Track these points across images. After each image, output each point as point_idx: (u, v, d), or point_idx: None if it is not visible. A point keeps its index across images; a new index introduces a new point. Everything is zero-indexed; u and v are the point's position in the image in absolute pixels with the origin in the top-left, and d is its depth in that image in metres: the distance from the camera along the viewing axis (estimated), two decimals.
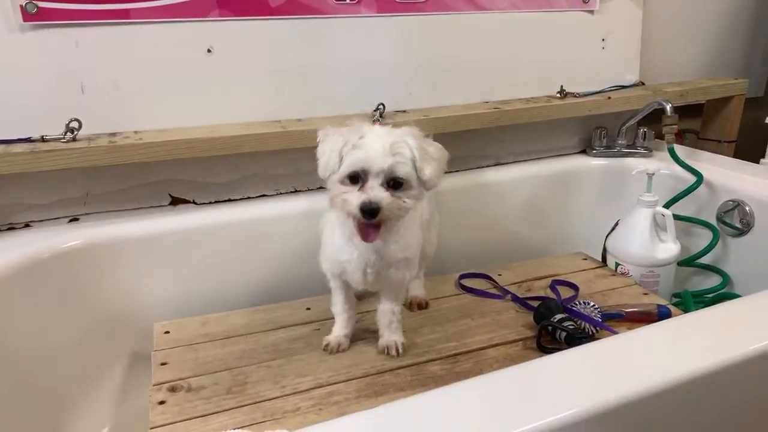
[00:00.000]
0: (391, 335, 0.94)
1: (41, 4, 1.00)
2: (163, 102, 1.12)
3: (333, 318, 1.03)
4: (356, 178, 0.78)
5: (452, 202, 1.33)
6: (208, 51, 1.13)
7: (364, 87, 1.27)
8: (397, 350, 0.92)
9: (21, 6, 0.99)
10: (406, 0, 1.25)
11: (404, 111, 1.29)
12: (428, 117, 1.24)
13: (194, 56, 1.12)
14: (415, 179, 0.79)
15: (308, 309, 1.06)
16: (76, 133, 1.03)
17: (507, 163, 1.46)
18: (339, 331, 0.95)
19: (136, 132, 1.09)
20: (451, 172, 1.38)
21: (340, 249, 0.87)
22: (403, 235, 0.86)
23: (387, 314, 0.93)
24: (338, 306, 0.95)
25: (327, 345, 0.94)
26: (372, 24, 1.24)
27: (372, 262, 0.86)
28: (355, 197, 0.77)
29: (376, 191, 0.76)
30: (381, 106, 1.23)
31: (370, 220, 0.76)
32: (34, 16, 1.00)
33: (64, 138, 1.02)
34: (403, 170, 0.77)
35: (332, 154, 0.78)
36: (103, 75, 1.07)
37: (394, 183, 0.78)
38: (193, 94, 1.14)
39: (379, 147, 0.77)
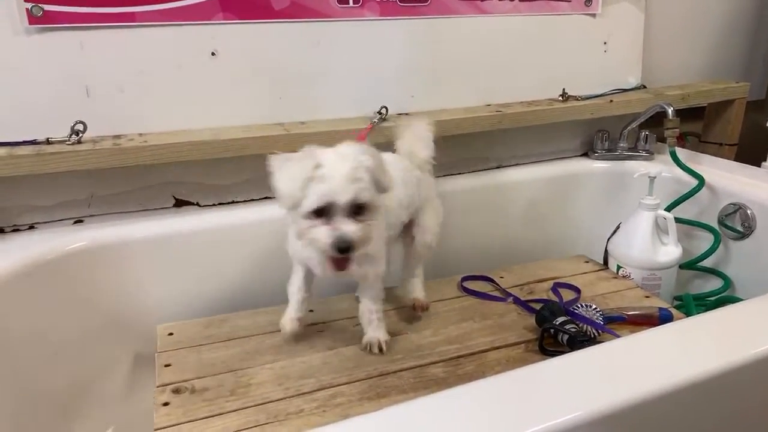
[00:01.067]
0: (373, 332, 0.94)
1: (46, 7, 1.00)
2: (168, 104, 1.13)
3: (337, 320, 1.04)
4: (321, 212, 0.77)
5: (454, 204, 1.33)
6: (213, 54, 1.13)
7: (367, 90, 1.27)
8: (380, 347, 0.93)
9: (27, 9, 0.99)
10: (408, 3, 1.26)
11: (407, 114, 1.29)
12: (430, 120, 1.25)
13: (198, 59, 1.13)
14: (375, 197, 0.79)
15: (311, 311, 1.06)
16: (81, 135, 1.04)
17: (509, 166, 1.46)
18: (291, 314, 0.95)
19: (140, 134, 1.10)
20: (453, 174, 1.39)
21: (302, 248, 0.86)
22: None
23: (365, 313, 0.94)
24: (294, 286, 0.95)
25: (281, 330, 0.95)
26: (375, 27, 1.25)
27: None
28: (325, 235, 0.76)
29: (345, 226, 0.76)
30: (384, 109, 1.24)
31: (341, 253, 0.76)
32: (39, 19, 1.00)
33: (69, 140, 1.03)
34: (366, 195, 0.77)
35: (293, 184, 0.76)
36: (107, 78, 1.07)
37: (357, 209, 0.77)
38: (197, 97, 1.14)
39: (341, 176, 0.76)
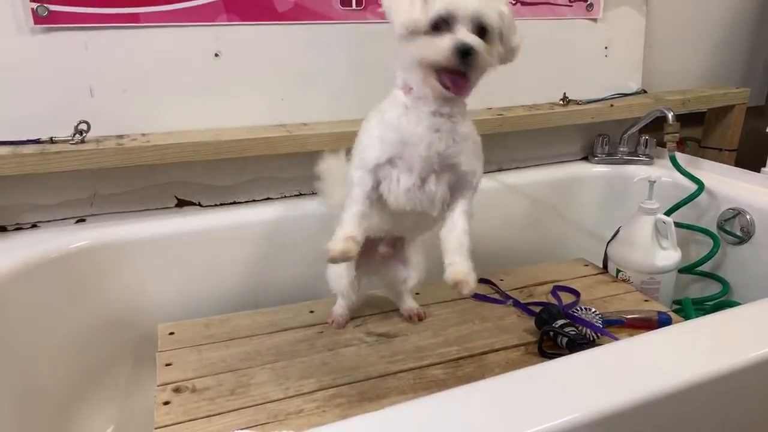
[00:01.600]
0: (464, 263, 0.83)
1: (52, 8, 1.01)
2: (171, 105, 1.13)
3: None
4: (438, 28, 0.70)
5: None
6: (216, 55, 1.14)
7: (369, 92, 1.26)
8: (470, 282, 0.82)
9: (32, 9, 1.00)
10: None
11: None
12: None
13: (202, 60, 1.13)
14: (497, 39, 0.73)
15: (311, 312, 1.07)
16: (84, 135, 1.04)
17: (509, 169, 1.47)
18: (348, 230, 0.78)
19: (143, 134, 1.11)
20: None
21: (400, 123, 0.79)
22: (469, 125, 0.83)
23: (462, 235, 0.86)
24: (361, 191, 0.81)
25: (329, 254, 0.76)
26: (377, 30, 1.25)
27: (446, 130, 0.80)
28: (444, 40, 0.69)
29: (466, 34, 0.69)
30: None
31: (463, 62, 0.69)
32: (44, 19, 1.01)
33: (72, 140, 1.03)
34: (492, 17, 0.71)
35: (413, 2, 0.70)
36: (111, 78, 1.08)
37: (479, 32, 0.70)
38: (201, 98, 1.15)
39: None
